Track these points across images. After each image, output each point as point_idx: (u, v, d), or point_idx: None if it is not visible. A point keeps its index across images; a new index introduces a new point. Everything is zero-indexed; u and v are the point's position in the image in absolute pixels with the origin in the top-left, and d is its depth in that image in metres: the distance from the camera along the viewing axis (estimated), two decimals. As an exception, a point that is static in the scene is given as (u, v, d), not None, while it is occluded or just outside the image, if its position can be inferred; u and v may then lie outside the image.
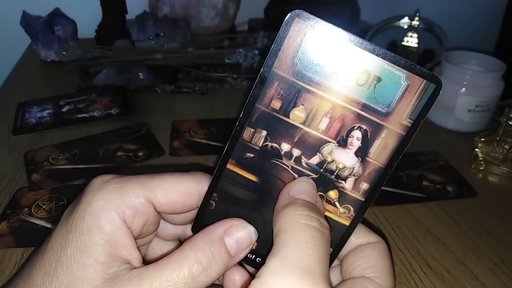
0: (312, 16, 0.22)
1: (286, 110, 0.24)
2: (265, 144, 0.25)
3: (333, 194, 0.25)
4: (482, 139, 0.54)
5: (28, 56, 0.83)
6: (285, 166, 0.25)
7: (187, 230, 0.29)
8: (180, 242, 0.30)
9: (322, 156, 0.24)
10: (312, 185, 0.24)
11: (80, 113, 0.61)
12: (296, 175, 0.25)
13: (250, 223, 0.25)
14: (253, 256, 0.26)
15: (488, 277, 0.38)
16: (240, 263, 0.27)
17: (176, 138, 0.57)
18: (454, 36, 0.79)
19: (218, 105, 0.66)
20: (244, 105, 0.24)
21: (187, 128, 0.59)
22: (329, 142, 0.24)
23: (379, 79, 0.22)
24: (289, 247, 0.21)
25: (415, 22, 0.58)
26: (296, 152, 0.24)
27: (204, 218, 0.26)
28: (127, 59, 0.74)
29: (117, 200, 0.23)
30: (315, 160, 0.24)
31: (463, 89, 0.59)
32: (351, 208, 0.25)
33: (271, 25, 0.88)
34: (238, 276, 0.27)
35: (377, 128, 0.23)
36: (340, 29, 0.22)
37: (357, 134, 0.23)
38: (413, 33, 0.58)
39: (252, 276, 0.27)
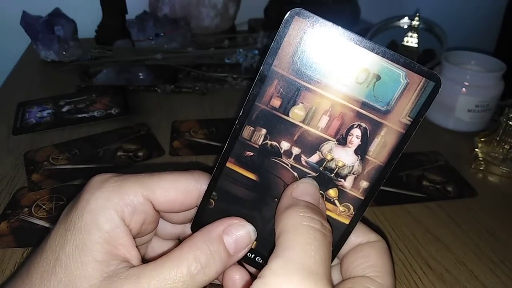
0: (311, 14, 0.22)
1: (285, 108, 0.24)
2: (264, 142, 0.25)
3: (332, 192, 0.25)
4: (482, 139, 0.54)
5: (28, 56, 0.83)
6: (285, 165, 0.25)
7: (187, 229, 0.29)
8: (180, 241, 0.30)
9: (322, 155, 0.24)
10: (315, 186, 0.24)
11: (80, 113, 0.61)
12: (295, 174, 0.25)
13: (249, 222, 0.25)
14: (253, 255, 0.26)
15: (488, 277, 0.38)
16: (240, 263, 0.27)
17: (176, 138, 0.57)
18: (454, 36, 0.79)
19: (218, 105, 0.66)
20: (244, 103, 0.24)
21: (187, 128, 0.59)
22: (328, 140, 0.24)
23: (378, 77, 0.22)
24: (291, 248, 0.21)
25: (415, 22, 0.58)
26: (295, 151, 0.24)
27: (203, 217, 0.26)
28: (127, 59, 0.74)
29: (115, 198, 0.23)
30: (314, 158, 0.24)
31: (463, 89, 0.59)
32: (351, 207, 0.25)
33: (271, 25, 0.88)
34: (238, 275, 0.27)
35: (376, 126, 0.23)
36: (340, 27, 0.22)
37: (356, 132, 0.23)
38: (413, 33, 0.58)
39: (253, 276, 0.27)
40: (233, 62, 0.76)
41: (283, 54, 0.23)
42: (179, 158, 0.53)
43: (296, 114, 0.24)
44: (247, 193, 0.26)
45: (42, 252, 0.23)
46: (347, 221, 0.25)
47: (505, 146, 0.52)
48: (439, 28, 0.78)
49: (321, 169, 0.24)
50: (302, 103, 0.23)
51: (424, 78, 0.22)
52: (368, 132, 0.23)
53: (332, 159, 0.24)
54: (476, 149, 0.54)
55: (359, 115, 0.23)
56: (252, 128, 0.24)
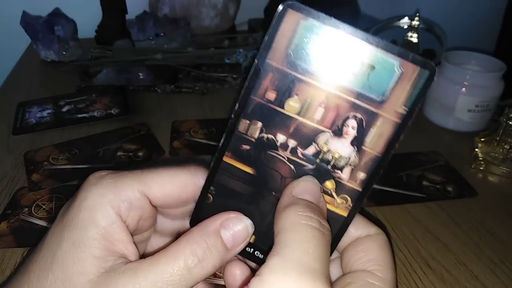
0: (304, 7, 0.22)
1: (281, 101, 0.24)
2: (260, 135, 0.24)
3: (329, 184, 0.25)
4: (482, 139, 0.54)
5: (28, 56, 0.83)
6: (281, 157, 0.25)
7: (186, 224, 0.29)
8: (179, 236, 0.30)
9: (318, 146, 0.24)
10: (316, 184, 0.24)
11: (80, 113, 0.61)
12: (292, 166, 0.25)
13: (248, 216, 0.25)
14: (252, 249, 0.26)
15: (488, 277, 0.38)
16: (241, 258, 0.27)
17: (176, 138, 0.57)
18: (454, 36, 0.79)
19: (218, 105, 0.66)
20: (239, 96, 0.24)
21: (187, 128, 0.59)
22: (324, 132, 0.24)
23: (372, 67, 0.22)
24: (289, 246, 0.21)
25: (415, 22, 0.58)
26: (291, 143, 0.24)
27: (201, 212, 0.26)
28: (127, 59, 0.74)
29: (111, 195, 0.23)
30: (310, 150, 0.24)
31: (463, 89, 0.59)
32: (349, 199, 0.24)
33: (271, 25, 0.87)
34: (238, 270, 0.27)
35: (372, 117, 0.23)
36: (333, 18, 0.22)
37: (352, 123, 0.23)
38: (413, 33, 0.58)
39: (253, 271, 0.27)
40: (233, 62, 0.76)
41: (277, 47, 0.23)
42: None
43: (291, 106, 0.24)
44: (244, 187, 0.25)
45: (40, 250, 0.23)
46: (345, 213, 0.25)
47: (505, 146, 0.52)
48: (439, 28, 0.78)
49: (317, 161, 0.24)
50: (297, 95, 0.23)
51: (418, 67, 0.22)
52: (364, 123, 0.23)
53: (328, 151, 0.24)
54: (476, 149, 0.54)
55: (354, 106, 0.23)
56: (248, 121, 0.24)
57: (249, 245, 0.26)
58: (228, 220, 0.25)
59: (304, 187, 0.24)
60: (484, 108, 0.60)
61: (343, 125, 0.23)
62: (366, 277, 0.23)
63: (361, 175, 0.24)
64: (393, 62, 0.22)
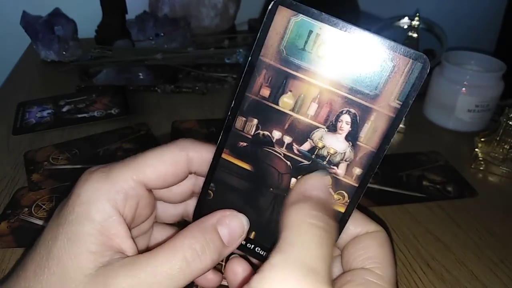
0: (295, 3, 0.22)
1: (275, 97, 0.24)
2: (256, 132, 0.25)
3: None
4: (482, 139, 0.54)
5: (28, 56, 0.83)
6: (278, 154, 0.25)
7: (189, 207, 0.29)
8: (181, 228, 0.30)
9: (313, 142, 0.24)
10: (326, 181, 0.24)
11: (80, 113, 0.61)
12: (288, 163, 0.25)
13: (247, 212, 0.25)
14: (252, 246, 0.26)
15: (488, 277, 0.38)
16: (244, 257, 0.27)
17: (176, 138, 0.56)
18: (454, 36, 0.79)
19: (218, 105, 0.66)
20: (235, 94, 0.24)
21: (187, 128, 0.59)
22: (318, 127, 0.24)
23: (365, 62, 0.22)
24: (293, 244, 0.20)
25: (415, 22, 0.58)
26: (287, 139, 0.24)
27: (203, 208, 0.27)
28: (127, 59, 0.74)
29: (106, 187, 0.24)
30: (306, 146, 0.24)
31: (463, 89, 0.59)
32: (345, 194, 0.24)
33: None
34: (240, 268, 0.27)
35: (366, 112, 0.23)
36: (323, 13, 0.22)
37: (346, 118, 0.23)
38: (413, 33, 0.57)
39: (255, 268, 0.27)
40: (233, 62, 0.76)
41: (270, 43, 0.23)
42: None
43: (285, 102, 0.24)
44: (243, 183, 0.26)
45: (36, 248, 0.23)
46: (342, 210, 0.25)
47: (505, 146, 0.52)
48: (439, 28, 0.78)
49: (313, 157, 0.24)
50: (290, 91, 0.23)
51: (411, 60, 0.21)
52: (358, 118, 0.23)
53: (323, 147, 0.24)
54: (476, 149, 0.54)
55: (347, 101, 0.23)
56: (244, 118, 0.25)
57: (250, 241, 0.26)
58: (224, 217, 0.25)
59: (314, 183, 0.24)
60: (484, 108, 0.60)
61: (337, 120, 0.23)
62: (365, 275, 0.23)
63: (357, 171, 0.24)
64: (385, 55, 0.22)
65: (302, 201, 0.22)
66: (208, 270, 0.24)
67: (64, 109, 0.62)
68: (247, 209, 0.26)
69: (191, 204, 0.29)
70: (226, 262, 0.28)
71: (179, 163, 0.26)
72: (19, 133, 0.57)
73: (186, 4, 0.88)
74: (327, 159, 0.24)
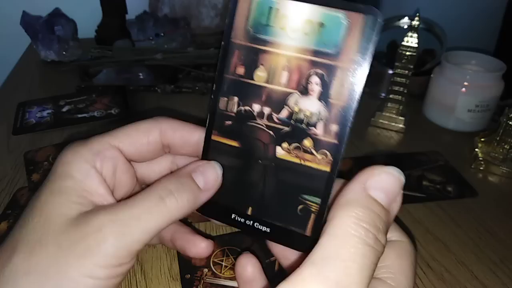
0: None
1: (249, 73, 0.26)
2: (238, 109, 0.27)
3: (307, 142, 0.26)
4: (482, 139, 0.55)
5: (28, 56, 0.83)
6: (260, 126, 0.26)
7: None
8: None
9: (290, 108, 0.25)
10: (397, 180, 0.21)
11: (80, 113, 0.61)
12: (271, 132, 0.26)
13: (243, 188, 0.27)
14: (251, 222, 0.27)
15: (488, 277, 0.38)
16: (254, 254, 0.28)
17: (176, 138, 0.57)
18: (454, 36, 0.79)
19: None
20: (215, 78, 0.26)
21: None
22: (292, 93, 0.25)
23: (322, 24, 0.24)
24: (331, 258, 0.18)
25: (415, 22, 0.57)
26: (266, 110, 0.26)
27: None
28: (127, 59, 0.74)
29: (83, 150, 0.25)
30: (284, 113, 0.26)
31: (463, 89, 0.59)
32: (328, 153, 0.25)
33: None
34: (250, 263, 0.28)
35: (331, 70, 0.24)
36: None
37: (315, 79, 0.25)
38: (413, 33, 0.57)
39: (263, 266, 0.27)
40: (233, 62, 0.76)
41: (237, 26, 0.26)
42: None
43: (259, 76, 0.26)
44: (235, 160, 0.27)
45: (22, 212, 0.24)
46: (328, 169, 0.25)
47: (505, 146, 0.52)
48: (439, 28, 0.78)
49: (292, 122, 0.26)
50: (262, 65, 0.26)
51: (363, 14, 0.23)
52: (325, 77, 0.24)
53: (299, 110, 0.25)
54: (476, 149, 0.54)
55: (313, 63, 0.25)
56: (225, 98, 0.27)
57: (248, 217, 0.27)
58: (198, 166, 0.27)
59: (382, 182, 0.21)
60: (484, 108, 0.60)
61: (307, 83, 0.25)
62: (376, 285, 0.21)
63: (334, 127, 0.25)
64: (339, 15, 0.24)
65: (358, 202, 0.20)
66: (187, 212, 0.25)
67: (64, 109, 0.62)
68: (242, 186, 0.27)
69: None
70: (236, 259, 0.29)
71: (152, 132, 0.28)
72: (19, 133, 0.57)
73: (186, 4, 0.88)
74: (305, 122, 0.25)
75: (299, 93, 0.25)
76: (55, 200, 0.23)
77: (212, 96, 0.27)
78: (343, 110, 0.24)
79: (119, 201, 0.25)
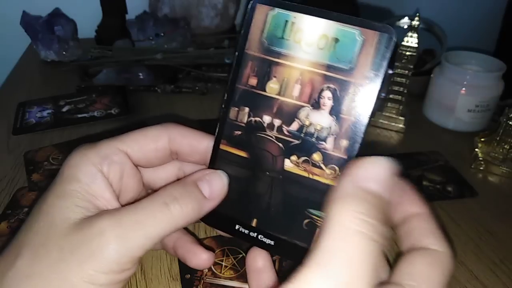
0: None
1: (262, 84, 0.26)
2: (249, 119, 0.26)
3: (317, 156, 0.25)
4: (482, 139, 0.55)
5: (28, 56, 0.83)
6: (269, 137, 0.26)
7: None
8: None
9: (300, 121, 0.26)
10: (387, 168, 0.20)
11: (80, 113, 0.61)
12: (280, 144, 0.26)
13: (249, 199, 0.27)
14: (255, 234, 0.27)
15: (488, 277, 0.38)
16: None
17: (176, 138, 0.56)
18: (454, 36, 0.79)
19: (218, 105, 0.66)
20: (227, 87, 0.26)
21: (187, 128, 0.59)
22: (303, 106, 0.25)
23: (337, 40, 0.24)
24: (334, 256, 0.17)
25: (415, 22, 0.57)
26: (277, 122, 0.26)
27: None
28: (127, 59, 0.74)
29: (90, 154, 0.25)
30: (294, 126, 0.26)
31: (463, 89, 0.59)
32: (336, 168, 0.25)
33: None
34: (260, 256, 0.28)
35: (344, 85, 0.24)
36: (295, 4, 0.25)
37: (327, 94, 0.25)
38: (413, 33, 0.57)
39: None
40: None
41: (252, 37, 0.26)
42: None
43: (272, 88, 0.26)
44: (242, 171, 0.27)
45: (30, 212, 0.24)
46: (336, 184, 0.25)
47: (505, 146, 0.52)
48: (439, 28, 0.78)
49: (302, 135, 0.26)
50: (275, 77, 0.26)
51: (378, 32, 0.23)
52: (338, 92, 0.25)
53: (310, 124, 0.25)
54: (476, 149, 0.54)
55: (326, 78, 0.25)
56: (236, 108, 0.27)
57: (252, 229, 0.27)
58: (204, 174, 0.26)
59: (373, 171, 0.19)
60: (484, 108, 0.60)
61: (319, 97, 0.25)
62: None
63: (344, 143, 0.25)
64: (354, 31, 0.24)
65: (352, 196, 0.19)
66: (191, 220, 0.25)
67: (64, 109, 0.62)
68: (248, 196, 0.26)
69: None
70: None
71: (161, 139, 0.27)
72: (19, 133, 0.57)
73: (186, 4, 0.88)
74: (315, 136, 0.25)
75: (310, 107, 0.25)
76: (60, 204, 0.23)
77: (223, 106, 0.27)
78: (354, 126, 0.24)
79: (124, 206, 0.25)
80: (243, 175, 0.27)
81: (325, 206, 0.19)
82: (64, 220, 0.23)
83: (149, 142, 0.27)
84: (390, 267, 0.22)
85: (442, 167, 0.53)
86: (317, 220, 0.25)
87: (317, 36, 0.24)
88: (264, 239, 0.26)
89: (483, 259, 0.40)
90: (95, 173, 0.24)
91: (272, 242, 0.26)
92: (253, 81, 0.26)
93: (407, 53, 0.58)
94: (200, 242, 0.38)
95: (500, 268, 0.39)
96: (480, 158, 0.54)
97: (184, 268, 0.36)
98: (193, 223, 0.41)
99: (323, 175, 0.25)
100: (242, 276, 0.35)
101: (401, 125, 0.61)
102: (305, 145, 0.25)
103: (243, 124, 0.27)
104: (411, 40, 0.58)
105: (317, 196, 0.25)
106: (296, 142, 0.26)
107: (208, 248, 0.37)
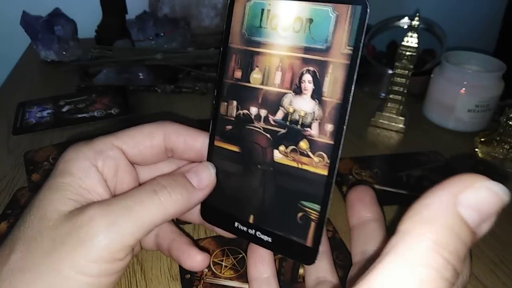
0: None
1: (246, 76, 0.26)
2: (237, 113, 0.27)
3: (304, 144, 0.25)
4: (482, 139, 0.54)
5: (28, 56, 0.83)
6: (258, 129, 0.26)
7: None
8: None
9: (284, 109, 0.25)
10: (498, 200, 0.16)
11: (80, 113, 0.61)
12: (268, 135, 0.26)
13: (245, 195, 0.27)
14: (253, 230, 0.27)
15: (488, 277, 0.38)
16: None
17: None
18: (454, 36, 0.79)
19: (218, 105, 0.66)
20: (215, 83, 0.27)
21: (187, 128, 0.59)
22: (286, 93, 0.25)
23: (310, 20, 0.24)
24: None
25: (415, 22, 0.57)
26: (263, 113, 0.26)
27: (207, 196, 0.27)
28: (127, 59, 0.74)
29: (85, 149, 0.25)
30: (279, 115, 0.25)
31: (463, 89, 0.59)
32: (324, 155, 0.24)
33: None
34: (265, 272, 0.28)
35: (323, 66, 0.24)
36: None
37: (307, 77, 0.24)
38: (413, 33, 0.57)
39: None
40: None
41: (234, 31, 0.26)
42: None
43: (255, 78, 0.26)
44: (236, 166, 0.27)
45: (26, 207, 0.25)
46: (325, 172, 0.24)
47: (505, 146, 0.52)
48: (439, 28, 0.78)
49: (287, 123, 0.25)
50: (257, 67, 0.26)
51: (350, 5, 0.23)
52: (317, 74, 0.24)
53: (294, 111, 0.25)
54: (476, 149, 0.54)
55: (305, 61, 0.24)
56: (225, 103, 0.27)
57: (250, 226, 0.26)
58: (192, 166, 0.27)
59: (481, 199, 0.16)
60: (484, 108, 0.60)
61: (300, 81, 0.25)
62: None
63: (329, 127, 0.24)
64: (326, 8, 0.23)
65: (441, 222, 0.15)
66: (182, 209, 0.25)
67: (64, 109, 0.62)
68: (244, 192, 0.27)
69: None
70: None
71: (156, 136, 0.28)
72: (19, 133, 0.57)
73: (186, 4, 0.88)
74: (300, 123, 0.25)
75: (293, 93, 0.25)
76: (51, 197, 0.23)
77: (214, 102, 0.27)
78: (337, 108, 0.24)
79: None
80: (237, 170, 0.27)
81: (407, 216, 0.16)
82: (55, 212, 0.23)
83: (145, 139, 0.27)
84: None
85: (442, 167, 0.53)
86: (310, 212, 0.25)
87: (292, 19, 0.24)
88: (262, 236, 0.26)
89: (483, 259, 0.40)
90: (88, 167, 0.24)
91: (269, 239, 0.26)
92: (238, 74, 0.26)
93: (407, 53, 0.58)
94: (199, 242, 0.38)
95: (500, 268, 0.39)
96: (480, 158, 0.54)
97: (184, 268, 0.36)
98: (193, 224, 0.41)
99: (312, 164, 0.25)
100: (242, 276, 0.35)
101: (401, 125, 0.61)
102: (291, 133, 0.25)
103: (233, 118, 0.27)
104: (411, 40, 0.58)
105: (308, 187, 0.25)
106: (283, 131, 0.25)
107: (205, 249, 0.37)
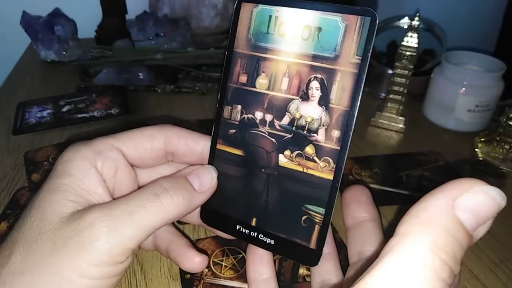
0: None
1: (252, 81, 0.26)
2: (242, 117, 0.27)
3: (309, 149, 0.25)
4: (482, 139, 0.54)
5: (28, 56, 0.83)
6: (263, 133, 0.26)
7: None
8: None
9: (291, 114, 0.25)
10: (495, 205, 0.16)
11: (80, 113, 0.61)
12: (273, 140, 0.26)
13: (247, 198, 0.27)
14: (255, 233, 0.27)
15: (488, 277, 0.38)
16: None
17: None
18: (454, 36, 0.79)
19: (218, 105, 0.66)
20: (219, 87, 0.27)
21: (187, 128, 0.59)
22: (293, 99, 0.25)
23: (319, 29, 0.24)
24: None
25: (415, 22, 0.57)
26: (268, 117, 0.26)
27: (208, 199, 0.27)
28: (127, 59, 0.74)
29: (85, 149, 0.25)
30: (285, 120, 0.26)
31: (463, 89, 0.59)
32: (330, 160, 0.25)
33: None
34: (265, 273, 0.28)
35: (331, 74, 0.24)
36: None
37: (315, 84, 0.25)
38: (413, 33, 0.57)
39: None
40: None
41: (240, 36, 0.26)
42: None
43: (261, 83, 0.26)
44: (239, 169, 0.27)
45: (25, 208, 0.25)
46: (331, 176, 0.25)
47: (505, 146, 0.52)
48: (439, 28, 0.78)
49: (293, 129, 0.25)
50: (263, 72, 0.26)
51: (359, 16, 0.23)
52: (325, 81, 0.24)
53: (301, 116, 0.25)
54: (476, 149, 0.54)
55: (313, 68, 0.25)
56: (229, 107, 0.27)
57: (252, 228, 0.26)
58: (193, 169, 0.27)
59: (478, 203, 0.16)
60: (484, 108, 0.60)
61: (307, 88, 0.25)
62: None
63: (336, 133, 0.25)
64: (335, 18, 0.24)
65: (439, 225, 0.16)
66: (183, 212, 0.25)
67: (64, 109, 0.62)
68: (247, 195, 0.26)
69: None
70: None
71: (157, 138, 0.27)
72: (19, 133, 0.57)
73: (186, 4, 0.88)
74: (306, 128, 0.25)
75: (300, 99, 0.25)
76: (51, 198, 0.23)
77: (217, 105, 0.27)
78: (344, 115, 0.24)
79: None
80: (240, 174, 0.27)
81: (406, 219, 0.17)
82: (55, 214, 0.23)
83: (145, 141, 0.27)
84: None
85: (442, 167, 0.53)
86: (315, 216, 0.25)
87: (300, 27, 0.24)
88: (264, 239, 0.26)
89: (483, 259, 0.40)
90: (88, 168, 0.24)
91: (272, 241, 0.26)
92: (243, 78, 0.26)
93: (407, 53, 0.58)
94: (199, 242, 0.38)
95: (500, 268, 0.39)
96: (480, 158, 0.54)
97: (184, 268, 0.36)
98: (193, 225, 0.41)
99: (317, 168, 0.25)
100: (242, 276, 0.35)
101: (401, 125, 0.61)
102: (297, 138, 0.25)
103: (236, 122, 0.27)
104: (411, 40, 0.58)
105: (313, 191, 0.25)
106: (289, 136, 0.26)
107: (205, 249, 0.37)
